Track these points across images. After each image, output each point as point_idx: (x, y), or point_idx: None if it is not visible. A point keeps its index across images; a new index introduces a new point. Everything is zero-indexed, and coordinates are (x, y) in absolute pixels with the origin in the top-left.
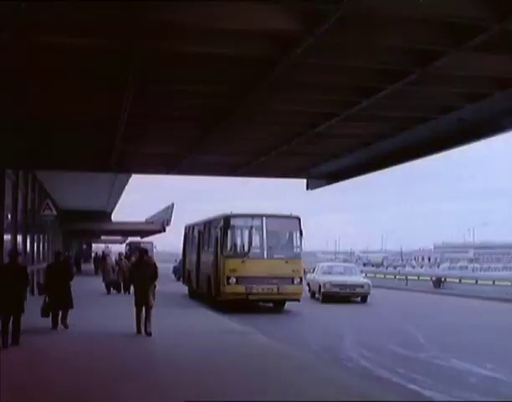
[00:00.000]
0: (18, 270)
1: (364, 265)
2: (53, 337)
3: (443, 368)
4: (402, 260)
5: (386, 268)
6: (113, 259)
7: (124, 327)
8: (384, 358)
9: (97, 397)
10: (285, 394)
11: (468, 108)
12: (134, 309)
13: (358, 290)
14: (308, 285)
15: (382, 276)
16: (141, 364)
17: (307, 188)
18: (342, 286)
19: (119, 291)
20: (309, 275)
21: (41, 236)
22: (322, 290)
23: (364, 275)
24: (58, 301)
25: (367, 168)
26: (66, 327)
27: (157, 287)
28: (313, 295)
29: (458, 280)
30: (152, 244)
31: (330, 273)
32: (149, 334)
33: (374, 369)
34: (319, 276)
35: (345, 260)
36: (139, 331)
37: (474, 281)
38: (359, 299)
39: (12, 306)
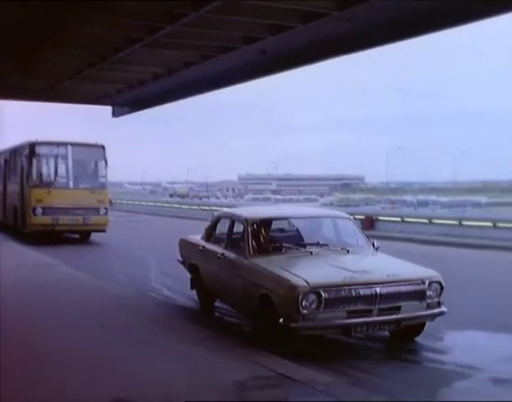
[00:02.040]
0: None
1: (170, 196)
2: None
3: None
4: (208, 191)
5: (192, 199)
6: None
7: None
8: (186, 287)
9: None
10: (93, 324)
11: (270, 39)
12: None
13: None
14: None
15: (188, 207)
16: None
17: (113, 115)
18: None
19: None
20: None
21: None
22: None
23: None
24: None
25: (172, 96)
26: None
27: None
28: None
29: None
30: None
31: None
32: None
33: (176, 298)
34: None
35: (151, 192)
36: None
37: None
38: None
39: None
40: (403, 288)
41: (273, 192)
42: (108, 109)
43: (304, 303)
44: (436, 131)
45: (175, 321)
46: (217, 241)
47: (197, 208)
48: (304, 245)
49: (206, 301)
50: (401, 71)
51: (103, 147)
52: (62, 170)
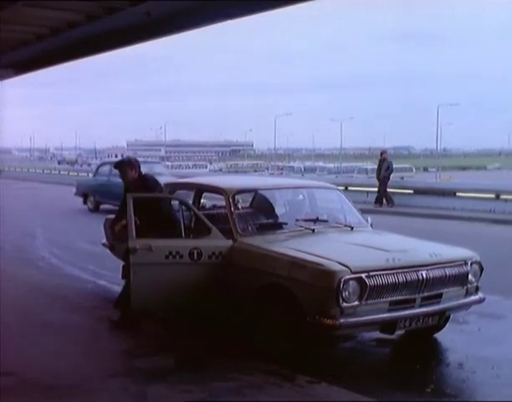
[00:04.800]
0: None
1: (59, 162)
2: None
3: None
4: (96, 157)
5: (81, 165)
6: None
7: None
8: (74, 256)
9: None
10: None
11: (155, 2)
12: None
13: None
14: None
15: (76, 174)
16: None
17: None
18: None
19: None
20: None
21: None
22: None
23: None
24: None
25: (57, 59)
26: None
27: None
28: None
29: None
30: None
31: None
32: None
33: (64, 267)
34: None
35: (40, 158)
36: None
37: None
38: None
39: None
40: (448, 271)
41: (162, 158)
42: None
43: (344, 293)
44: (322, 96)
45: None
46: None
47: (85, 175)
48: (302, 222)
49: None
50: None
51: None
52: None
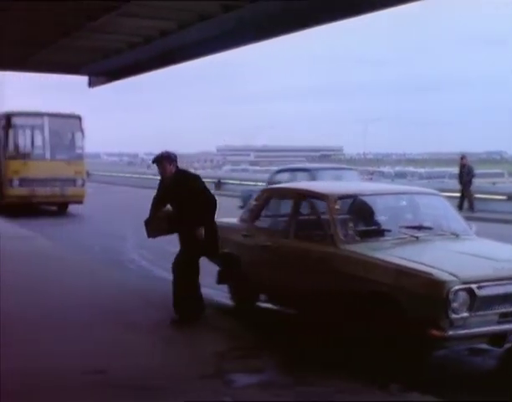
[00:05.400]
0: None
1: (148, 167)
2: None
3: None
4: (186, 162)
5: None
6: None
7: None
8: (163, 259)
9: None
10: (66, 294)
11: (248, 8)
12: None
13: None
14: None
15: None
16: None
17: (89, 86)
18: None
19: None
20: None
21: None
22: None
23: None
24: None
25: (149, 66)
26: None
27: None
28: None
29: (238, 182)
30: None
31: None
32: None
33: (154, 270)
34: None
35: (129, 163)
36: None
37: (254, 183)
38: None
39: None
40: None
41: (252, 163)
42: (84, 79)
43: (453, 304)
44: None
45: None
46: (272, 225)
47: None
48: (405, 229)
49: (246, 298)
50: (360, 42)
51: (79, 118)
52: (38, 141)
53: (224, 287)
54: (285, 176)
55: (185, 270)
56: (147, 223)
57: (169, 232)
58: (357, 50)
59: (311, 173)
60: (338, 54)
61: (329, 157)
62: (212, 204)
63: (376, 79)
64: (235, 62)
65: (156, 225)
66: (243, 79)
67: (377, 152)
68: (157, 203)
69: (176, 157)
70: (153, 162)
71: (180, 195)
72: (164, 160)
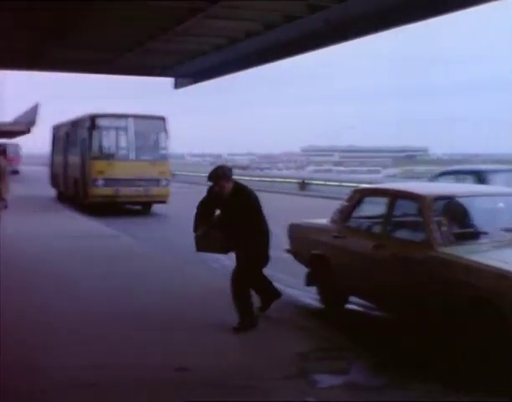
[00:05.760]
0: None
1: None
2: None
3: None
4: (269, 163)
5: (253, 170)
6: None
7: None
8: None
9: None
10: (152, 292)
11: (334, 8)
12: None
13: None
14: None
15: (248, 179)
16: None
17: (175, 87)
18: None
19: None
20: None
21: None
22: None
23: None
24: None
25: (234, 67)
26: None
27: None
28: None
29: (322, 183)
30: (18, 145)
31: None
32: None
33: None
34: None
35: (212, 163)
36: None
37: (338, 184)
38: None
39: None
40: None
41: (335, 163)
42: (169, 81)
43: None
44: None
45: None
46: (364, 226)
47: (257, 179)
48: (504, 232)
49: (336, 300)
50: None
51: (163, 119)
52: (123, 142)
53: (309, 287)
54: (449, 179)
55: (242, 283)
56: (199, 237)
57: (222, 251)
58: (440, 50)
59: (480, 176)
60: (418, 55)
61: (414, 158)
62: (261, 227)
63: (461, 79)
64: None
65: (208, 243)
66: (322, 79)
67: (465, 153)
68: (205, 211)
69: (231, 172)
70: (209, 179)
71: (236, 212)
72: (220, 179)
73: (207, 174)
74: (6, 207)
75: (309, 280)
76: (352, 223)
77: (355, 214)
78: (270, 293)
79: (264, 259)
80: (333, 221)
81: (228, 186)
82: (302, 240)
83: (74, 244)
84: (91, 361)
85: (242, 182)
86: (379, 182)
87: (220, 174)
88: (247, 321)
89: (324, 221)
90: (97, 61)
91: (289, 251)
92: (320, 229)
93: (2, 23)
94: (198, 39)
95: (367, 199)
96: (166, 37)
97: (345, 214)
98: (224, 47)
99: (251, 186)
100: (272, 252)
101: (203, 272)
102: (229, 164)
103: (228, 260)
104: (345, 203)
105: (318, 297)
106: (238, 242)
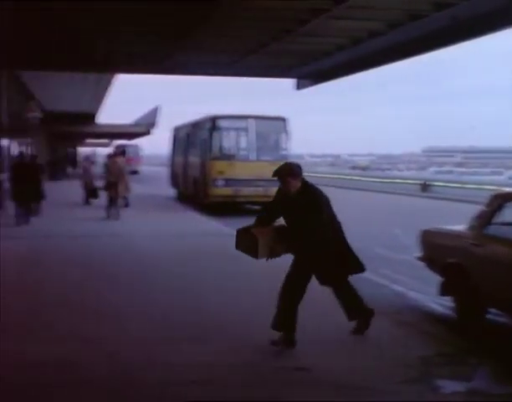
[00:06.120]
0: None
1: (352, 168)
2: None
3: (427, 270)
4: (389, 163)
5: (373, 171)
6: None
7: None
8: (369, 261)
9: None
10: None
11: (461, 5)
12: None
13: None
14: None
15: (368, 180)
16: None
17: (297, 88)
18: None
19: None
20: None
21: (26, 139)
22: None
23: None
24: (31, 194)
25: (357, 67)
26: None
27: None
28: None
29: (444, 184)
30: (137, 146)
31: None
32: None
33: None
34: None
35: (331, 164)
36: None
37: (461, 185)
38: None
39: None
40: None
41: (457, 165)
42: (290, 81)
43: None
44: None
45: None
46: (506, 233)
47: (377, 180)
48: None
49: (474, 313)
50: None
51: (284, 120)
52: (243, 143)
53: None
54: None
55: (289, 291)
56: (239, 233)
57: (255, 255)
58: None
59: None
60: None
61: None
62: (324, 232)
63: None
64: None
65: (246, 242)
66: (442, 77)
67: None
68: (269, 212)
69: (300, 169)
70: (274, 176)
71: (300, 213)
72: (287, 175)
73: (324, 175)
74: (127, 205)
75: (444, 290)
76: (492, 230)
77: (495, 221)
78: (362, 310)
79: (320, 269)
80: (471, 228)
81: (295, 184)
82: (436, 248)
83: (195, 243)
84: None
85: (362, 181)
86: (503, 185)
87: (286, 170)
88: (285, 337)
89: (459, 227)
90: (220, 63)
91: (420, 259)
92: (455, 236)
93: (125, 28)
94: (321, 40)
95: (509, 204)
96: (290, 38)
97: (484, 221)
98: (347, 47)
99: (371, 187)
100: (394, 254)
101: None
102: (349, 165)
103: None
104: (484, 209)
105: (452, 308)
106: (297, 246)
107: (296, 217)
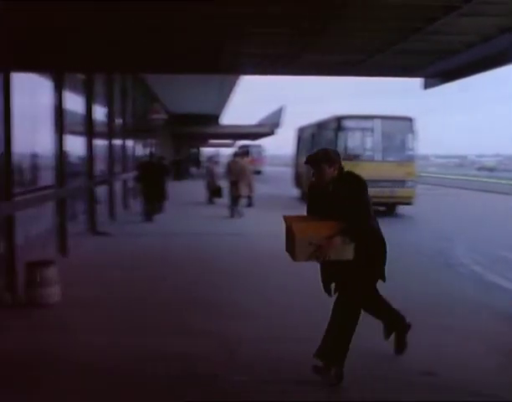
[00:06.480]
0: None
1: (478, 169)
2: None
3: None
4: None
5: (501, 173)
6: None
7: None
8: (495, 264)
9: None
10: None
11: None
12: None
13: None
14: None
15: (495, 181)
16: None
17: (424, 88)
18: None
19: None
20: None
21: (151, 141)
22: None
23: None
24: (156, 194)
25: (486, 65)
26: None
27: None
28: None
29: None
30: (261, 146)
31: None
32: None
33: (485, 274)
34: None
35: (457, 165)
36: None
37: None
38: None
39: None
40: None
41: None
42: (417, 81)
43: None
44: None
45: None
46: None
47: (504, 182)
48: None
49: None
50: None
51: (411, 120)
52: (368, 143)
53: None
54: None
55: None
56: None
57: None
58: None
59: None
60: None
61: None
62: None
63: None
64: None
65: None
66: None
67: None
68: (309, 209)
69: (338, 156)
70: (306, 162)
71: (338, 203)
72: (321, 161)
73: (453, 176)
74: (250, 205)
75: None
76: None
77: None
78: (399, 322)
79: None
80: None
81: (331, 171)
82: None
83: None
84: None
85: (489, 182)
86: None
87: (320, 156)
88: (337, 371)
89: None
90: (347, 63)
91: None
92: None
93: (256, 30)
94: (450, 38)
95: None
96: (419, 36)
97: None
98: (476, 44)
99: (498, 189)
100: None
101: (446, 278)
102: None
103: (477, 265)
104: None
105: None
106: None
107: (338, 210)
